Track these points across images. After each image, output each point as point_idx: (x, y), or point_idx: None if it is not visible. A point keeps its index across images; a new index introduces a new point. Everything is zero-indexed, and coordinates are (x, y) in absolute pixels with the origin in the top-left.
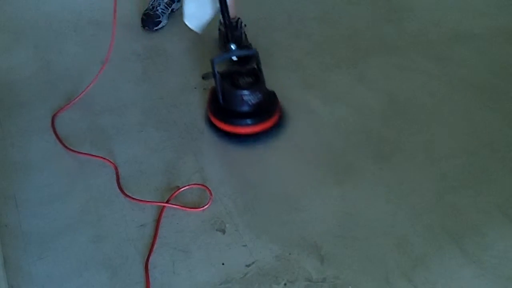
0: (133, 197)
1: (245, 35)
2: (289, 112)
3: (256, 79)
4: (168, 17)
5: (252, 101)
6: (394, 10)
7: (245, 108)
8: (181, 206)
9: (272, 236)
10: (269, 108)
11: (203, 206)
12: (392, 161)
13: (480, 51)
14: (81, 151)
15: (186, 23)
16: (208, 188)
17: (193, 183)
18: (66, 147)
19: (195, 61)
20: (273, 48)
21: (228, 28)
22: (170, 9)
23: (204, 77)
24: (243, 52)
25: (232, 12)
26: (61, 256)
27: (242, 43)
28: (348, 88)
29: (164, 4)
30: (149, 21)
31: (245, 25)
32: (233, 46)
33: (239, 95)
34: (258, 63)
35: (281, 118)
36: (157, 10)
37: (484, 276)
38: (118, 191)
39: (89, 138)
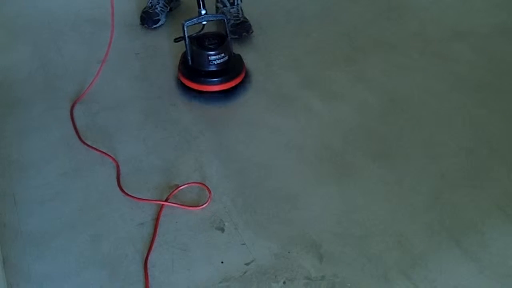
0: (132, 195)
1: (242, 10)
2: (287, 110)
3: (221, 42)
4: (166, 16)
5: (218, 61)
6: (393, 8)
7: (212, 68)
8: (180, 205)
9: (271, 234)
10: (234, 68)
11: (202, 205)
12: (391, 159)
13: (478, 49)
14: (92, 146)
15: None
16: (207, 187)
17: (192, 181)
18: (81, 139)
19: None
20: (272, 46)
21: None
22: (168, 8)
23: (176, 40)
24: (212, 17)
25: None
26: (60, 255)
27: (240, 19)
28: (347, 86)
29: (162, 2)
30: (148, 19)
31: (241, 1)
32: (203, 11)
33: (204, 55)
34: (225, 29)
35: (246, 77)
36: (156, 9)
37: (483, 274)
38: (117, 189)
39: (89, 137)
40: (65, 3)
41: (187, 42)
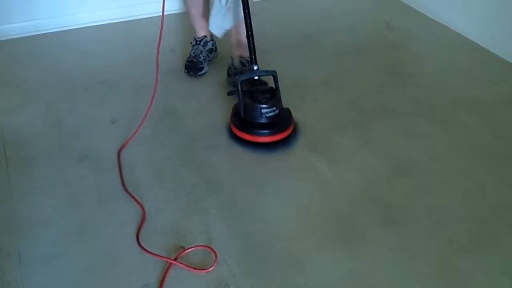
0: (146, 249)
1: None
2: (294, 174)
3: (273, 96)
4: (208, 64)
5: (269, 114)
6: (399, 76)
7: (263, 120)
8: (188, 266)
9: None
10: (284, 121)
11: (208, 268)
12: (398, 225)
13: (484, 117)
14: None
15: (210, 30)
16: (214, 250)
17: (198, 244)
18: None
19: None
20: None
21: (251, 48)
22: (209, 57)
23: (229, 94)
24: (264, 72)
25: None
26: None
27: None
28: (353, 151)
29: (205, 52)
30: (194, 67)
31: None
32: (255, 67)
33: (257, 108)
34: (275, 83)
35: (295, 131)
36: (200, 57)
37: None
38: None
39: (96, 195)
40: (79, 66)
41: (240, 96)
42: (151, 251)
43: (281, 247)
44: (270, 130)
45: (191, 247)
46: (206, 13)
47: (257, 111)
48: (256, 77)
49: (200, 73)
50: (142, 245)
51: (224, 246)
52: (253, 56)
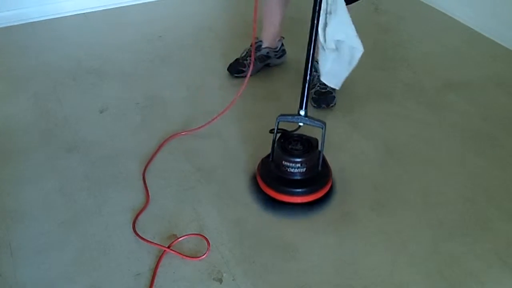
0: (141, 236)
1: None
2: None
3: (305, 151)
4: (258, 70)
5: (292, 170)
6: (388, 59)
7: (283, 174)
8: (181, 254)
9: (270, 285)
10: (308, 183)
11: (201, 256)
12: (389, 208)
13: (473, 99)
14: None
15: (323, 80)
16: (206, 238)
17: (190, 232)
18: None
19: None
20: (271, 96)
21: (304, 90)
22: (262, 63)
23: (271, 131)
24: (310, 122)
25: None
26: None
27: (326, 88)
28: (344, 135)
29: (255, 57)
30: (234, 66)
31: None
32: (302, 112)
33: (280, 158)
34: (322, 137)
35: (324, 196)
36: (246, 60)
37: None
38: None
39: (86, 185)
40: (66, 55)
41: (274, 137)
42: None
43: (273, 233)
44: (287, 187)
45: (184, 236)
46: (277, 20)
47: (279, 161)
48: (301, 124)
49: (236, 75)
50: (138, 232)
51: (216, 234)
52: (304, 100)
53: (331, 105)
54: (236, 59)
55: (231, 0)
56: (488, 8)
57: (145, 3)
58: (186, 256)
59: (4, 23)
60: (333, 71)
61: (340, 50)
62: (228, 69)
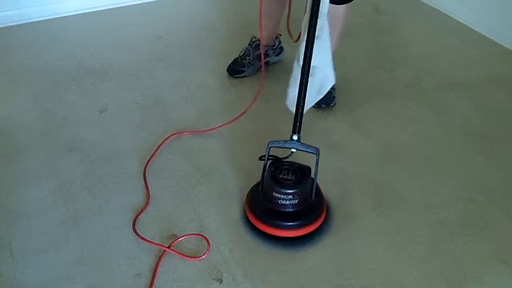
0: (141, 236)
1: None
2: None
3: (298, 181)
4: (256, 69)
5: (281, 202)
6: (388, 59)
7: (272, 206)
8: (181, 254)
9: (270, 285)
10: (299, 216)
11: (201, 256)
12: (389, 208)
13: (473, 99)
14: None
15: (288, 106)
16: (206, 238)
17: (190, 232)
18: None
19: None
20: (270, 96)
21: (298, 114)
22: (259, 64)
23: (261, 158)
24: (303, 148)
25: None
26: None
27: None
28: (344, 135)
29: (253, 56)
30: (233, 67)
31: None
32: (295, 137)
33: (270, 189)
34: (316, 164)
35: (317, 229)
36: (245, 59)
37: None
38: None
39: (86, 185)
40: (66, 55)
41: (265, 164)
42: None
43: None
44: (276, 220)
45: (184, 236)
46: (277, 17)
47: (269, 192)
48: (293, 150)
49: (236, 75)
50: (138, 232)
51: (216, 234)
52: (297, 124)
53: (331, 105)
54: (235, 59)
55: (231, 0)
56: (488, 8)
57: (145, 3)
58: (186, 256)
59: (4, 23)
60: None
61: (313, 76)
62: (227, 70)
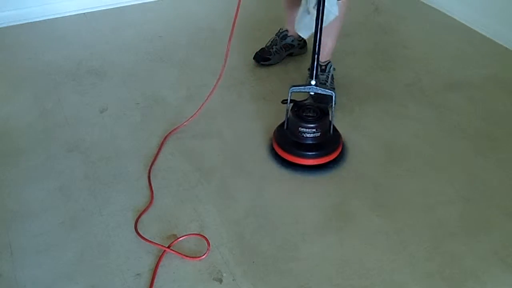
0: (142, 236)
1: (332, 79)
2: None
3: (319, 117)
4: (283, 58)
5: (308, 135)
6: (389, 60)
7: (300, 140)
8: (181, 254)
9: (270, 285)
10: (325, 147)
11: (201, 256)
12: (389, 208)
13: (473, 99)
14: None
15: (296, 31)
16: (206, 238)
17: (190, 232)
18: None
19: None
20: (271, 96)
21: (314, 61)
22: (285, 52)
23: (283, 102)
24: (320, 90)
25: (326, 54)
26: None
27: (327, 86)
28: (344, 135)
29: (280, 45)
30: (260, 55)
31: (334, 69)
32: (313, 82)
33: (296, 125)
34: (332, 105)
35: (337, 158)
36: (272, 48)
37: None
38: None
39: (86, 185)
40: (66, 55)
41: (287, 107)
42: (143, 240)
43: (273, 233)
44: (304, 152)
45: (184, 236)
46: (294, 7)
47: (295, 128)
48: (312, 93)
49: (263, 62)
50: (139, 232)
51: (216, 234)
52: (314, 70)
53: (329, 105)
54: (262, 48)
55: (231, 0)
56: (488, 8)
57: (145, 3)
58: (186, 256)
59: (4, 23)
60: (308, 26)
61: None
62: (254, 58)
